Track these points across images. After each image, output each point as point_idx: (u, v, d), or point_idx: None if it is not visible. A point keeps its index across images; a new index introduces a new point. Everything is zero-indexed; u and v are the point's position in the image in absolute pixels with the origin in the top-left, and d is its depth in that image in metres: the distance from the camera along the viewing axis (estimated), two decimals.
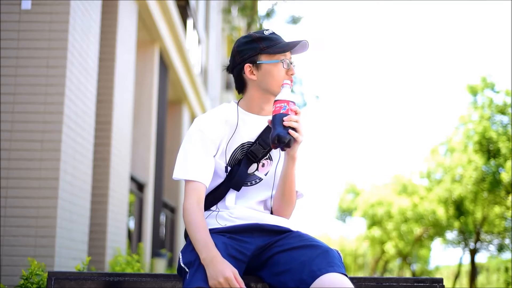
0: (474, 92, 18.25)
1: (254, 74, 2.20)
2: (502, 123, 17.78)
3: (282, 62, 2.18)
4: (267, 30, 2.25)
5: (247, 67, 2.20)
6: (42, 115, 4.43)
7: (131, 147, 7.14)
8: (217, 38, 17.22)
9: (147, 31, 8.36)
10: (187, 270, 2.00)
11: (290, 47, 2.17)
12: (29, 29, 4.52)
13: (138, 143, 8.31)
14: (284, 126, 2.04)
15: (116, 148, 6.32)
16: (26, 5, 4.51)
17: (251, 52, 2.19)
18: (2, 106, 4.40)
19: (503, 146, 17.00)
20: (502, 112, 17.67)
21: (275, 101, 2.09)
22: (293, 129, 2.04)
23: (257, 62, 2.19)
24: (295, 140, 2.05)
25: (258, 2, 16.93)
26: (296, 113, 2.06)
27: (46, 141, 4.40)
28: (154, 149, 8.76)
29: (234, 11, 17.12)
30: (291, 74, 2.18)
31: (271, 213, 2.26)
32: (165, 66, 9.69)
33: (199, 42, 13.30)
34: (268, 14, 16.53)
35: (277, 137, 2.03)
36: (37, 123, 4.42)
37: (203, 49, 14.19)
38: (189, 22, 11.60)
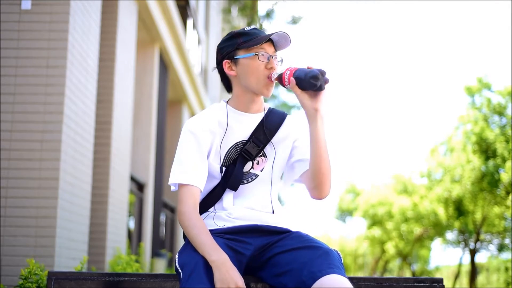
0: (471, 93, 18.24)
1: (233, 70, 2.18)
2: (500, 123, 17.76)
3: (257, 54, 2.13)
4: (249, 27, 2.21)
5: (226, 63, 2.19)
6: (42, 115, 4.42)
7: (131, 147, 7.14)
8: (217, 38, 17.20)
9: (147, 31, 8.36)
10: (180, 270, 1.99)
11: (264, 38, 2.13)
12: (29, 29, 4.52)
13: (138, 143, 8.30)
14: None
15: (116, 148, 6.32)
16: (26, 5, 4.51)
17: (230, 48, 2.17)
18: (2, 106, 4.40)
19: (500, 147, 16.99)
20: (500, 113, 17.66)
21: (284, 71, 2.12)
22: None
23: (235, 57, 2.17)
24: (320, 87, 2.05)
25: (258, 2, 16.92)
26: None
27: (46, 141, 4.40)
28: (154, 149, 8.76)
29: (234, 11, 17.10)
30: (270, 68, 2.14)
31: (273, 209, 2.22)
32: (165, 66, 9.69)
33: (199, 42, 13.30)
34: (268, 14, 16.51)
35: (320, 72, 2.05)
36: (37, 123, 4.42)
37: (203, 49, 14.18)
38: (189, 22, 11.59)
